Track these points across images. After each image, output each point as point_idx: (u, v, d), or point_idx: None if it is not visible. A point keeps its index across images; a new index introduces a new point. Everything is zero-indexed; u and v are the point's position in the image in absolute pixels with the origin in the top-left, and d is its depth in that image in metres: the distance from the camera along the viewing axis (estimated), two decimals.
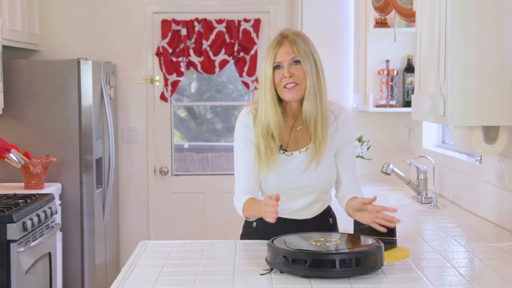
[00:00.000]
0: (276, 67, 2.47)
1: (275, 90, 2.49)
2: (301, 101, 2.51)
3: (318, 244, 2.19)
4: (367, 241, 2.23)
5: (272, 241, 2.22)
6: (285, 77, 2.45)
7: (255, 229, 2.64)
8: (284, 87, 2.46)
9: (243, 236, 2.71)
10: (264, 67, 2.48)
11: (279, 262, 2.12)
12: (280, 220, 2.53)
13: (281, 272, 2.15)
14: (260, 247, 2.49)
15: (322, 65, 2.52)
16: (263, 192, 2.60)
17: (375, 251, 2.12)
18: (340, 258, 2.08)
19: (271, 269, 2.18)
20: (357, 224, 2.53)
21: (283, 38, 2.48)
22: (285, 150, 2.54)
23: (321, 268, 2.07)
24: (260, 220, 2.49)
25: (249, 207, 2.48)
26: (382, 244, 2.17)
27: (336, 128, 2.57)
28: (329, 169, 2.56)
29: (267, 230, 2.52)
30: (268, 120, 2.49)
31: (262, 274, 2.16)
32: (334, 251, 2.13)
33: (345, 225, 3.03)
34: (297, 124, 2.55)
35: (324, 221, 2.67)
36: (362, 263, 2.09)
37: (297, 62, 2.46)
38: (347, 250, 2.16)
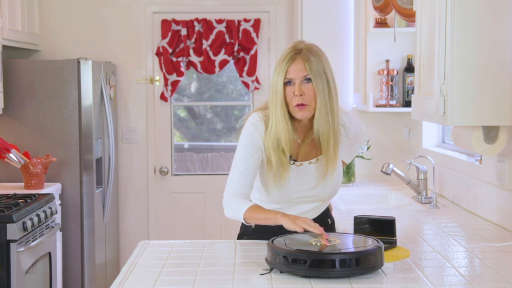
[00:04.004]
0: (288, 83, 2.43)
1: (286, 105, 2.45)
2: (311, 117, 2.48)
3: (318, 244, 2.19)
4: (367, 241, 2.23)
5: (272, 241, 2.22)
6: (295, 95, 2.42)
7: (254, 230, 2.64)
8: (295, 105, 2.43)
9: (241, 237, 2.71)
10: (275, 81, 2.44)
11: (279, 262, 2.12)
12: None
13: (281, 272, 2.15)
14: (260, 247, 2.49)
15: (335, 82, 2.48)
16: (270, 200, 2.58)
17: (375, 251, 2.12)
18: (340, 258, 2.08)
19: (271, 269, 2.18)
20: (357, 224, 2.53)
21: (297, 54, 2.43)
22: (295, 161, 2.53)
23: (321, 268, 2.07)
24: None
25: (261, 212, 2.42)
26: (382, 244, 2.18)
27: (346, 140, 2.65)
28: (337, 179, 2.58)
29: (265, 230, 2.53)
30: (279, 135, 2.45)
31: (262, 274, 2.16)
32: (334, 251, 2.13)
33: (345, 225, 3.03)
34: (307, 139, 2.54)
35: (323, 223, 2.67)
36: (362, 263, 2.09)
37: (309, 80, 2.42)
38: (347, 250, 2.16)
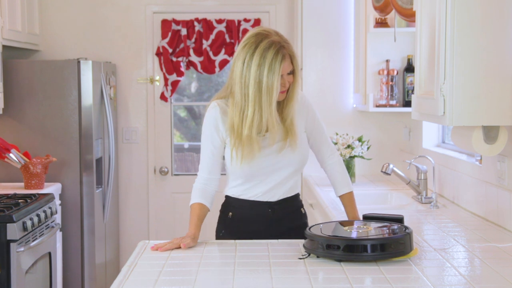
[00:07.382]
0: None
1: None
2: None
3: (352, 231, 2.36)
4: (397, 228, 2.39)
5: (309, 229, 2.38)
6: (283, 85, 2.58)
7: (231, 220, 2.77)
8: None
9: (220, 229, 2.80)
10: (270, 81, 2.51)
11: (316, 248, 2.29)
12: (254, 204, 2.70)
13: (318, 256, 2.30)
14: (260, 247, 2.50)
15: None
16: (243, 174, 2.68)
17: (404, 237, 2.28)
18: (372, 244, 2.24)
19: (309, 254, 2.34)
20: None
21: (283, 49, 2.54)
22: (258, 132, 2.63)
23: (353, 253, 2.24)
24: (236, 210, 2.74)
25: (193, 217, 2.68)
26: (411, 230, 2.34)
27: (300, 111, 2.71)
28: (302, 147, 2.69)
29: (244, 217, 2.72)
30: (267, 126, 2.57)
31: (300, 258, 2.32)
32: (365, 237, 2.28)
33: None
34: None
35: (295, 209, 2.80)
36: (392, 248, 2.25)
37: (291, 71, 2.59)
38: (377, 236, 2.31)
